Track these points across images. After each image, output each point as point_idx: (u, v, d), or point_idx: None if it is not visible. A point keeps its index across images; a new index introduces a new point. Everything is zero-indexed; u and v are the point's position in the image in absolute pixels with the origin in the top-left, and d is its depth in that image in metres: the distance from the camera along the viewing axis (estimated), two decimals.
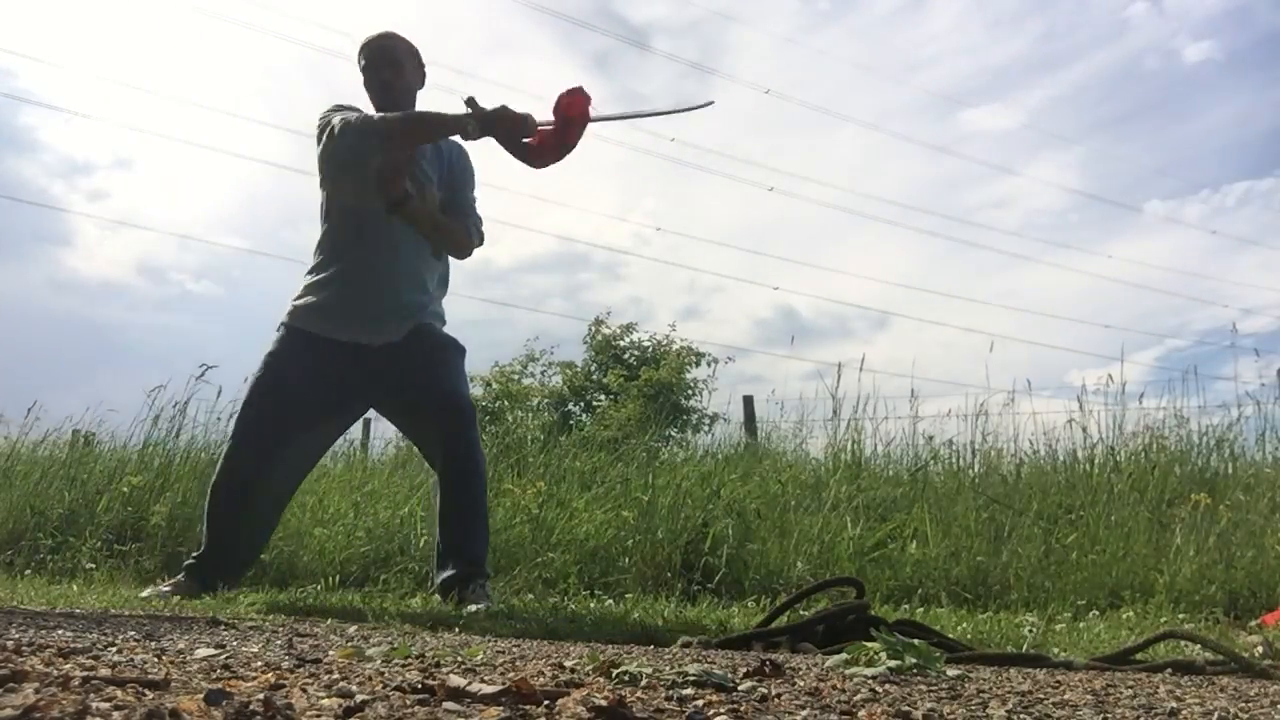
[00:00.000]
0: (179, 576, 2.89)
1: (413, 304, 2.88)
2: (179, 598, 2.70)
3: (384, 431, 7.01)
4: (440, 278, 3.04)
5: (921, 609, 3.09)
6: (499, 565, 3.72)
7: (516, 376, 12.70)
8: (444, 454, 2.84)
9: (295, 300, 2.94)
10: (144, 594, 2.81)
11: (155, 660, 1.21)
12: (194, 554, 2.92)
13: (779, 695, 1.14)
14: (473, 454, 2.84)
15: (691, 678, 1.18)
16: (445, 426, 2.83)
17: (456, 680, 1.02)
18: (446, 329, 3.01)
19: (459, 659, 1.41)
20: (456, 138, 2.82)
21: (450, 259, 3.06)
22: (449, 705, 0.91)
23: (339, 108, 2.90)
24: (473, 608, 2.55)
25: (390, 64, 2.91)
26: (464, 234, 2.98)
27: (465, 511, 2.79)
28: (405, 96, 2.93)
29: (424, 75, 3.03)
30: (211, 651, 1.36)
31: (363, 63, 2.94)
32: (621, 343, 13.18)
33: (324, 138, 2.82)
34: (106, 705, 0.78)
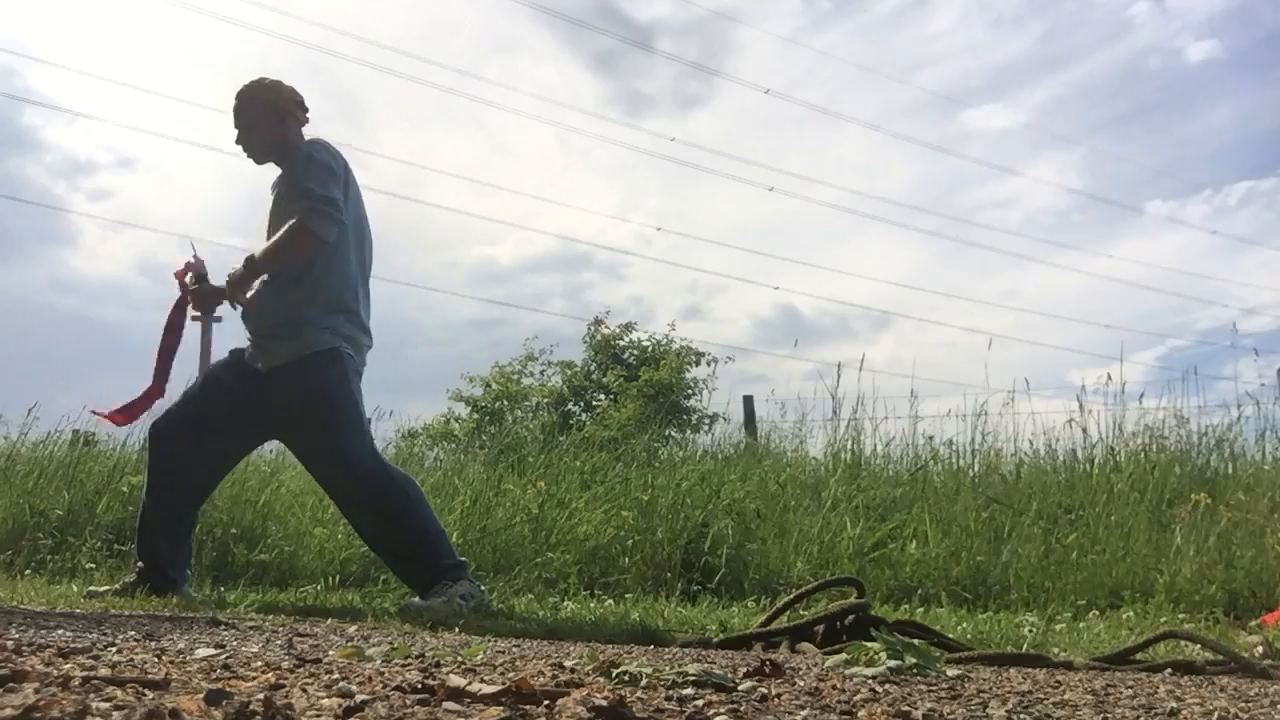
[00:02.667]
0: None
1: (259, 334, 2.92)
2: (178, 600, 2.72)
3: (383, 431, 7.02)
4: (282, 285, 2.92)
5: (921, 609, 3.09)
6: (499, 565, 3.72)
7: (516, 376, 12.69)
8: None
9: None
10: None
11: (155, 660, 1.21)
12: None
13: (779, 695, 1.14)
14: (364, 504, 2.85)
15: (691, 678, 1.18)
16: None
17: (456, 680, 1.02)
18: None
19: (459, 659, 1.41)
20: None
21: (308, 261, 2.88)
22: (449, 705, 0.91)
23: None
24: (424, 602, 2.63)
25: (238, 123, 2.98)
26: (286, 237, 2.80)
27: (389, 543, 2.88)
28: (258, 151, 2.98)
29: (280, 118, 2.97)
30: (211, 651, 1.36)
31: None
32: (620, 342, 13.18)
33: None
34: (106, 705, 0.78)
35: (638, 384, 11.70)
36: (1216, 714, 1.15)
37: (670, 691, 1.11)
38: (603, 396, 12.46)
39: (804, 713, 1.01)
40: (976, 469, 4.91)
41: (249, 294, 2.90)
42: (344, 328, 2.87)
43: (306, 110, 3.01)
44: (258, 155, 2.98)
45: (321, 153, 2.86)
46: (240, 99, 2.95)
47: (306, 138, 2.96)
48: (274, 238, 2.81)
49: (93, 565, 3.74)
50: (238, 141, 2.98)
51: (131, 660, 1.19)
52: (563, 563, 3.57)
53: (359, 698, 0.91)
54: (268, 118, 2.94)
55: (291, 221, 2.75)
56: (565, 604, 2.68)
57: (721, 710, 0.98)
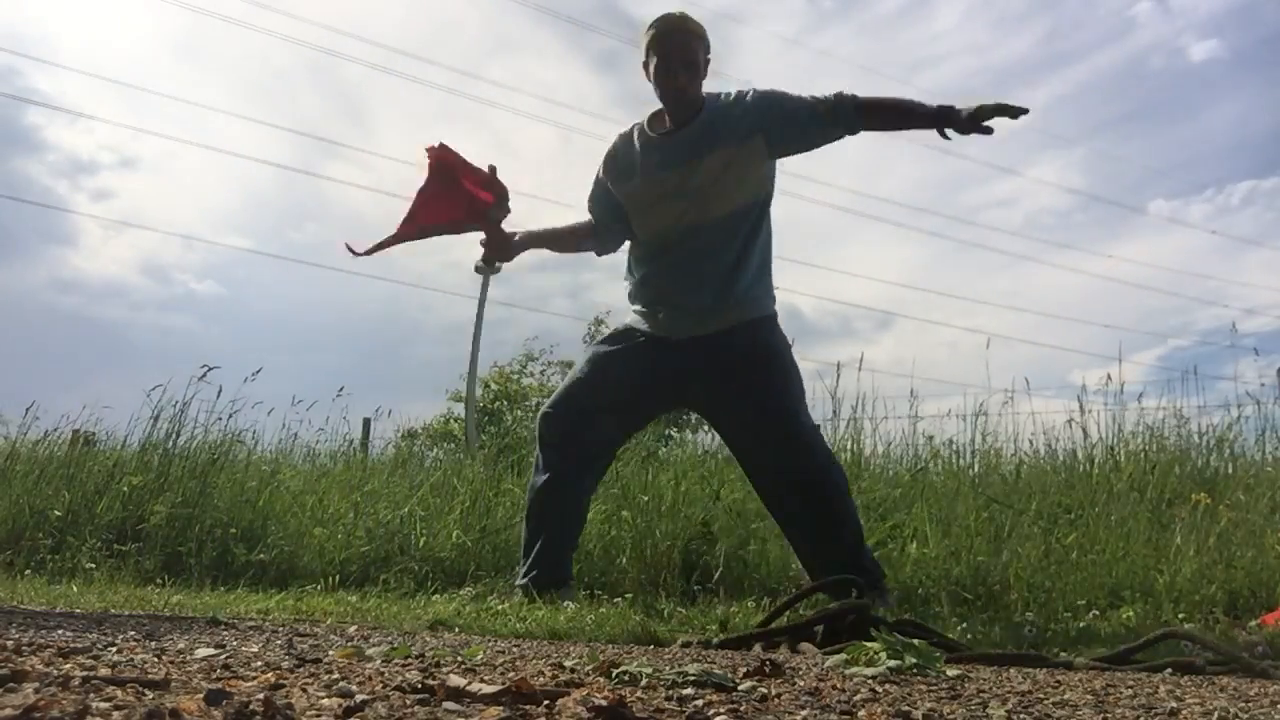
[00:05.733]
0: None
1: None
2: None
3: (384, 431, 7.02)
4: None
5: (921, 609, 3.08)
6: (498, 565, 3.72)
7: (516, 376, 12.69)
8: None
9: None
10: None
11: (155, 660, 1.21)
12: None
13: (779, 695, 1.14)
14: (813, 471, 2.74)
15: (691, 678, 1.18)
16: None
17: (456, 680, 1.02)
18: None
19: (459, 659, 1.41)
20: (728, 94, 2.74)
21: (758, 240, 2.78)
22: (449, 705, 0.91)
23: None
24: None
25: (684, 65, 2.69)
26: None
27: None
28: (689, 98, 2.73)
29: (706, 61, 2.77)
30: (211, 651, 1.36)
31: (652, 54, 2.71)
32: None
33: None
34: (106, 705, 0.78)
35: None
36: (1216, 714, 1.15)
37: (670, 691, 1.11)
38: None
39: (804, 713, 1.01)
40: (976, 469, 4.90)
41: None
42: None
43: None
44: (685, 102, 2.71)
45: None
46: (686, 31, 2.69)
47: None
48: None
49: (93, 565, 3.74)
50: (669, 80, 2.68)
51: (131, 660, 1.19)
52: None
53: (359, 698, 0.91)
54: (704, 61, 2.75)
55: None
56: (565, 604, 2.67)
57: (721, 710, 0.98)
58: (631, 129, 2.89)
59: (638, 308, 2.91)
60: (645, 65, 2.76)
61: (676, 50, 2.69)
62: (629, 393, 2.86)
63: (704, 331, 2.76)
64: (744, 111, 2.71)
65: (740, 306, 2.76)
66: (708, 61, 2.78)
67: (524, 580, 2.83)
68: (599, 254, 3.06)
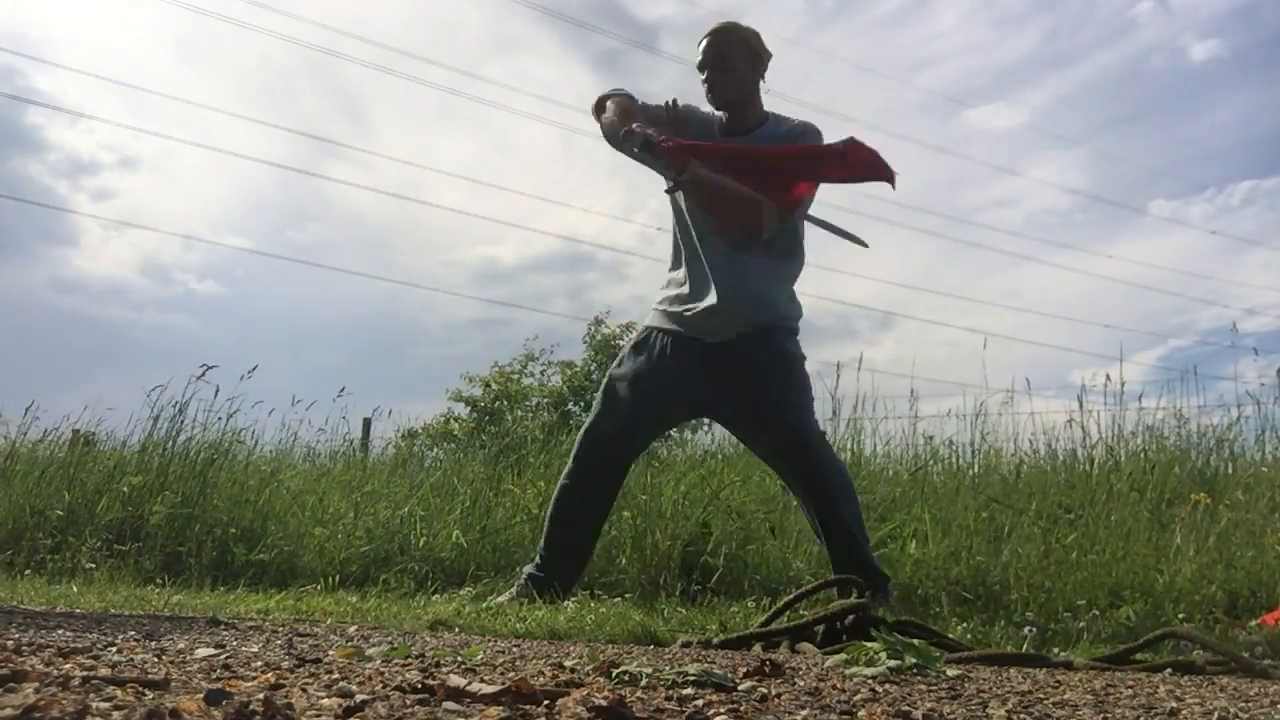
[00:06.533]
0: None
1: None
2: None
3: (384, 431, 7.02)
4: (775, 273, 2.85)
5: (921, 609, 3.08)
6: (499, 565, 3.71)
7: (516, 376, 12.69)
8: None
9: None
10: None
11: (155, 660, 1.21)
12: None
13: (779, 695, 1.14)
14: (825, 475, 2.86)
15: (691, 678, 1.18)
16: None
17: (456, 680, 1.02)
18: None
19: (459, 659, 1.41)
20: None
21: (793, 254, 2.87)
22: (449, 705, 0.91)
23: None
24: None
25: (722, 64, 2.82)
26: (756, 209, 2.71)
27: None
28: (733, 93, 2.83)
29: (760, 64, 2.87)
30: (211, 651, 1.36)
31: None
32: (621, 342, 13.17)
33: None
34: (106, 705, 0.78)
35: None
36: (1216, 714, 1.15)
37: (670, 691, 1.11)
38: None
39: (804, 713, 1.01)
40: (976, 469, 4.90)
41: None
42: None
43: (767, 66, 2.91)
44: (725, 98, 2.83)
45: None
46: (726, 32, 2.83)
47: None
48: (745, 193, 2.67)
49: (93, 565, 3.74)
50: (703, 78, 2.82)
51: (131, 660, 1.19)
52: None
53: (359, 698, 0.91)
54: (748, 61, 2.84)
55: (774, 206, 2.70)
56: (565, 604, 2.68)
57: (721, 710, 0.98)
58: (718, 114, 2.93)
59: (673, 305, 2.91)
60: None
61: (711, 50, 2.81)
62: (666, 406, 2.94)
63: (731, 334, 2.80)
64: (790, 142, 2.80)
65: (769, 310, 2.82)
66: (754, 67, 2.84)
67: (532, 569, 2.90)
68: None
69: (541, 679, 1.15)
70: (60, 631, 1.63)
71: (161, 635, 1.66)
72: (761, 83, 2.89)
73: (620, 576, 3.49)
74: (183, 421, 4.83)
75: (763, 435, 2.93)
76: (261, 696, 0.85)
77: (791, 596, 2.44)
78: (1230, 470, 4.81)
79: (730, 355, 2.80)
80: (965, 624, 2.55)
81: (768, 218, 2.73)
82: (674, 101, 2.87)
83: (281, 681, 1.02)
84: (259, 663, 1.24)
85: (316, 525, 4.07)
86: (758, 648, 2.06)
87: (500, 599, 2.82)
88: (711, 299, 2.77)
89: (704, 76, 2.84)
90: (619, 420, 2.89)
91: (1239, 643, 2.26)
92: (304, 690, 0.96)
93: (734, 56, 2.80)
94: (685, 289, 2.86)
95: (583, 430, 2.98)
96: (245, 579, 3.68)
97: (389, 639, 1.84)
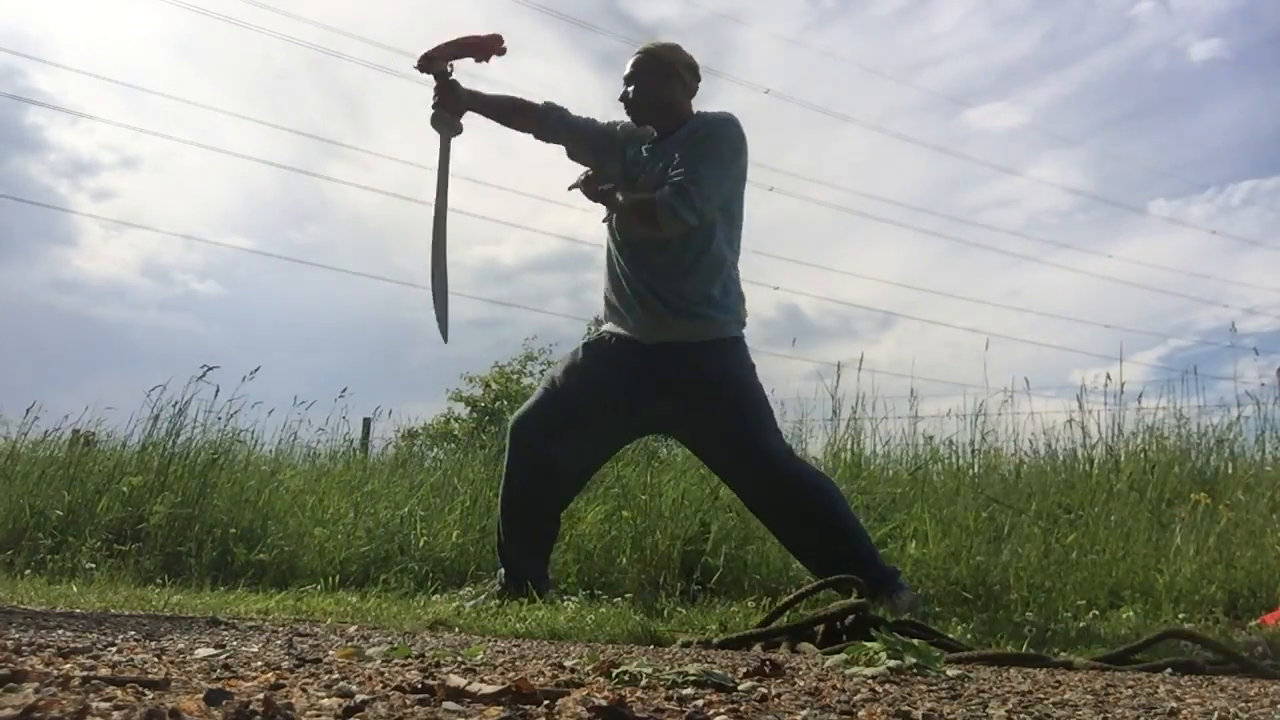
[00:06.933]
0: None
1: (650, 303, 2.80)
2: None
3: (384, 431, 7.03)
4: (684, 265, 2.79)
5: (921, 609, 3.08)
6: (498, 565, 3.71)
7: (516, 376, 12.69)
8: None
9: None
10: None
11: (155, 660, 1.21)
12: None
13: (779, 695, 1.14)
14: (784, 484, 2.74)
15: (691, 678, 1.18)
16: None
17: (456, 680, 1.02)
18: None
19: (459, 659, 1.41)
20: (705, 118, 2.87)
21: (707, 240, 2.79)
22: (449, 705, 0.91)
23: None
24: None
25: (629, 80, 2.93)
26: (649, 203, 2.71)
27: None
28: (642, 110, 2.91)
29: (674, 74, 2.91)
30: (211, 651, 1.36)
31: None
32: None
33: None
34: (106, 705, 0.78)
35: None
36: (1216, 714, 1.15)
37: (670, 691, 1.11)
38: None
39: (804, 713, 1.01)
40: (976, 469, 4.90)
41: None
42: (744, 316, 2.86)
43: (698, 79, 2.97)
44: (639, 113, 2.91)
45: (735, 137, 2.80)
46: (634, 62, 2.92)
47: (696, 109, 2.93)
48: (639, 198, 2.73)
49: (92, 565, 3.74)
50: (621, 98, 2.92)
51: (131, 660, 1.19)
52: (562, 563, 3.57)
53: (359, 698, 0.91)
54: (655, 77, 2.89)
55: (660, 193, 2.68)
56: (565, 604, 2.67)
57: (721, 710, 0.98)
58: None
59: (607, 308, 2.96)
60: None
61: (629, 68, 2.92)
62: (598, 403, 2.84)
63: (655, 340, 2.78)
64: (687, 139, 2.80)
65: (691, 323, 2.76)
66: (667, 79, 2.89)
67: (498, 586, 2.87)
68: (536, 136, 3.05)
69: (541, 679, 1.15)
70: (60, 631, 1.63)
71: (161, 635, 1.66)
72: (684, 88, 2.92)
73: (620, 576, 3.49)
74: (183, 421, 4.84)
75: (713, 455, 2.89)
76: (261, 696, 0.85)
77: (791, 596, 2.44)
78: (1230, 470, 4.81)
79: (671, 361, 2.76)
80: (967, 625, 2.55)
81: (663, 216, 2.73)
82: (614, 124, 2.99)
83: (281, 681, 1.02)
84: (259, 663, 1.24)
85: (316, 525, 4.07)
86: (758, 648, 2.06)
87: (469, 603, 2.77)
88: (630, 302, 2.82)
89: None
90: (547, 403, 2.88)
91: (1239, 643, 2.26)
92: (304, 690, 0.96)
93: (638, 76, 2.90)
94: (613, 296, 2.90)
95: (512, 419, 2.97)
96: (245, 579, 3.69)
97: (389, 639, 1.84)
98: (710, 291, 2.76)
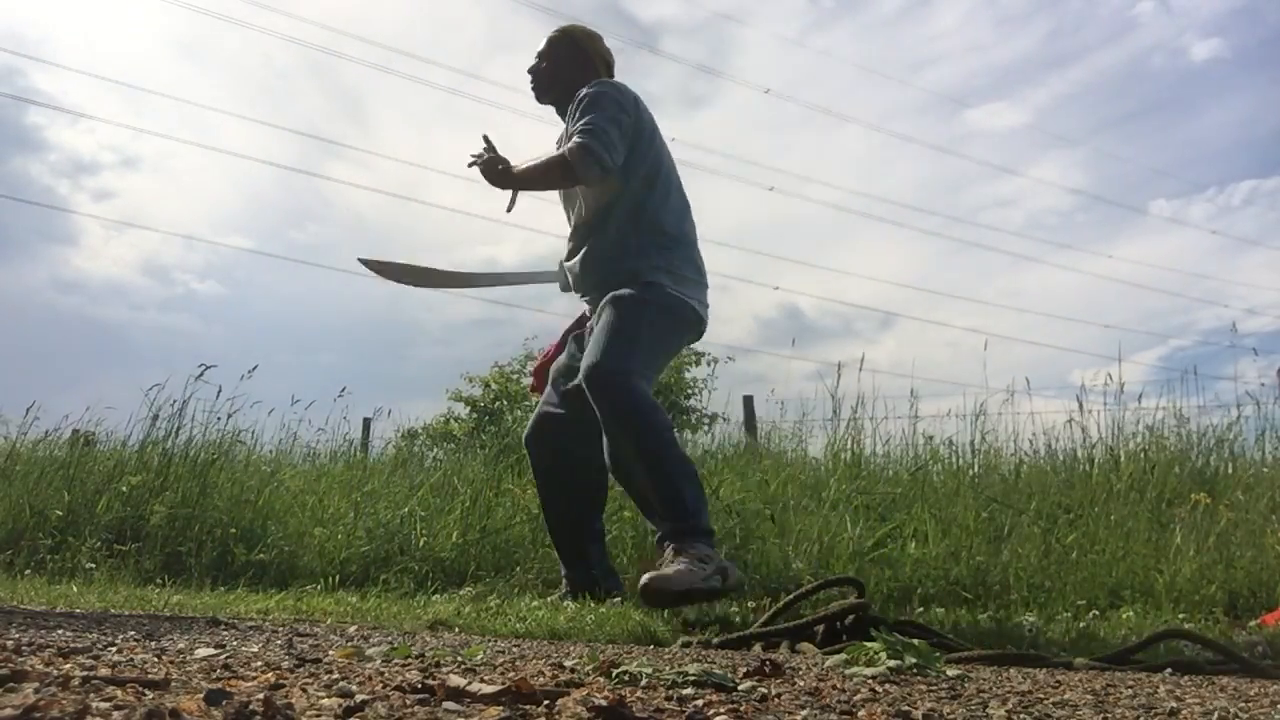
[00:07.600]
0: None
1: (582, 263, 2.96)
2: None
3: (384, 431, 7.03)
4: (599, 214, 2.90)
5: (921, 609, 3.09)
6: (499, 565, 3.72)
7: (516, 376, 12.67)
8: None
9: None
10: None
11: (155, 660, 1.21)
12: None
13: (779, 695, 1.14)
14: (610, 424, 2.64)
15: (691, 678, 1.17)
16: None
17: (456, 680, 1.02)
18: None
19: (459, 659, 1.41)
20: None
21: (608, 192, 2.87)
22: (449, 705, 0.91)
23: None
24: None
25: (540, 56, 3.09)
26: (557, 158, 2.82)
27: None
28: (545, 87, 3.07)
29: (578, 52, 3.06)
30: (211, 651, 1.36)
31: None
32: None
33: None
34: (106, 705, 0.78)
35: None
36: (1216, 714, 1.15)
37: (670, 691, 1.11)
38: None
39: (804, 713, 1.01)
40: (976, 469, 4.90)
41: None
42: (669, 263, 2.84)
43: (611, 74, 3.10)
44: (542, 88, 3.08)
45: (610, 90, 2.89)
46: (556, 35, 3.08)
47: None
48: (548, 157, 2.86)
49: (92, 565, 3.74)
50: (529, 70, 3.08)
51: (131, 660, 1.19)
52: None
53: (359, 698, 0.91)
54: (555, 58, 3.06)
55: (564, 147, 2.80)
56: (565, 604, 2.67)
57: (721, 710, 0.98)
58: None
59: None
60: None
61: (544, 44, 3.10)
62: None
63: (584, 295, 2.99)
64: (574, 108, 2.91)
65: (605, 283, 2.86)
66: (583, 64, 3.04)
67: (566, 587, 2.99)
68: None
69: (541, 679, 1.15)
70: (60, 631, 1.63)
71: (161, 635, 1.66)
72: (594, 76, 3.01)
73: (621, 576, 3.49)
74: (182, 421, 4.84)
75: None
76: (261, 696, 0.85)
77: (791, 596, 2.44)
78: (1230, 470, 4.81)
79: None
80: (966, 624, 2.55)
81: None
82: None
83: (281, 681, 1.02)
84: (259, 663, 1.24)
85: (316, 525, 4.07)
86: (758, 648, 2.06)
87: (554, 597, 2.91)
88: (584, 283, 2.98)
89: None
90: (548, 407, 3.02)
91: (1239, 643, 2.26)
92: (304, 690, 0.96)
93: (552, 53, 3.06)
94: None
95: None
96: (245, 579, 3.69)
97: (389, 639, 1.84)
98: (626, 257, 2.84)
